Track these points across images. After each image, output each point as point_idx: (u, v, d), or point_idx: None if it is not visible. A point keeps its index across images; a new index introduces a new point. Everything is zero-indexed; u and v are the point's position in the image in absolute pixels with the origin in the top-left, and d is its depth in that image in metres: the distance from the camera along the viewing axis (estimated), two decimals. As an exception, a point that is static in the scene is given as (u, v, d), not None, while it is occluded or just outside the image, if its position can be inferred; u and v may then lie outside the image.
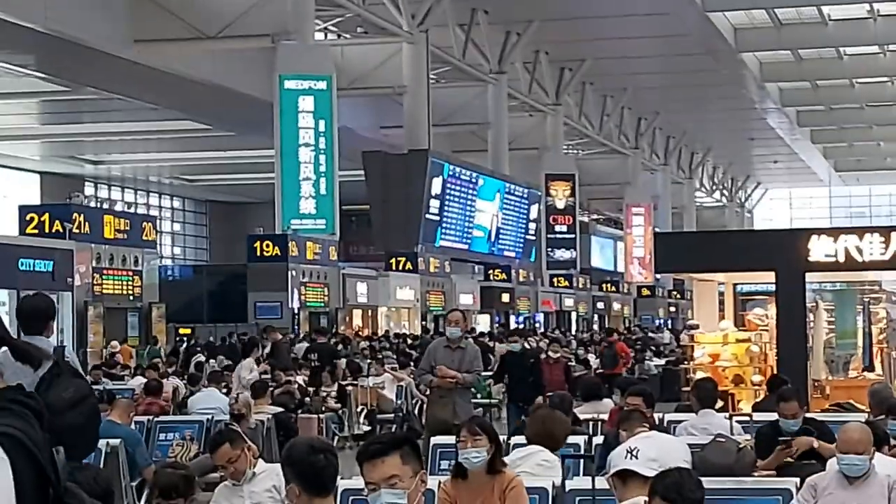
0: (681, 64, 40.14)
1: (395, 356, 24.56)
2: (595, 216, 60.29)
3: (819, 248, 17.37)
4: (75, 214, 26.64)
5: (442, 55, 35.49)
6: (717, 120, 50.26)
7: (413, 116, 33.63)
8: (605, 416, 11.66)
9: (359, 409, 19.03)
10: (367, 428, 18.54)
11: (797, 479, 7.69)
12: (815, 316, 20.16)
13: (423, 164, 33.14)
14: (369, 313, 36.00)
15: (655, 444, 5.89)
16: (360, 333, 32.48)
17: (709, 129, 52.96)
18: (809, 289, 18.55)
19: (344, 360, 22.54)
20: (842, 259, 17.27)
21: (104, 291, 27.14)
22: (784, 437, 9.31)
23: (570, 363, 21.46)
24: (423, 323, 36.70)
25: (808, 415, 11.93)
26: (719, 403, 13.07)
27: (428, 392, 13.86)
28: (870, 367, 20.06)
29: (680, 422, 11.23)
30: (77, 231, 26.18)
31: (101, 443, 9.54)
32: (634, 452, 5.55)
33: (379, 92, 35.31)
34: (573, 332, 44.55)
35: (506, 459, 8.37)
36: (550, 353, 19.43)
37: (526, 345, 22.82)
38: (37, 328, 7.87)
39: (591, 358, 28.27)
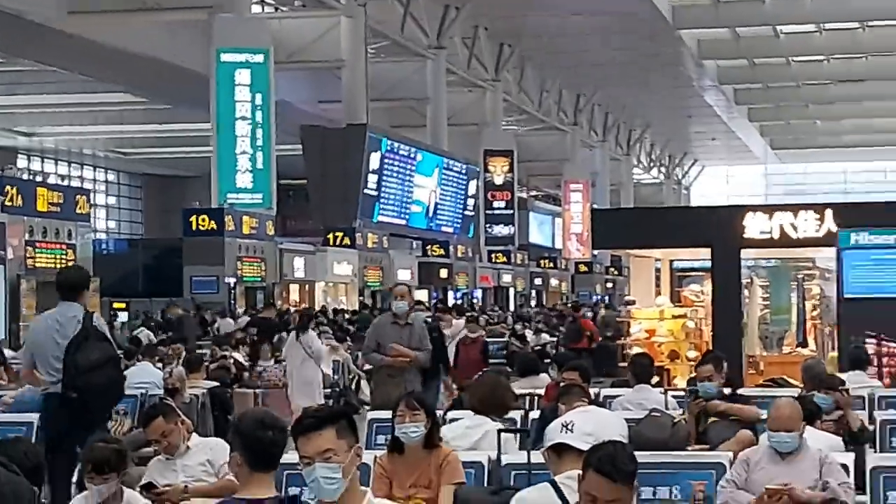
0: (619, 41, 40.23)
1: (332, 331, 24.49)
2: (533, 192, 60.41)
3: (754, 225, 17.53)
4: (8, 187, 26.30)
5: (380, 30, 35.36)
6: (655, 97, 50.43)
7: (351, 91, 33.50)
8: (542, 391, 11.67)
9: (295, 384, 18.95)
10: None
11: (730, 454, 7.76)
12: (751, 292, 20.33)
13: (361, 138, 33.04)
14: (306, 288, 35.91)
15: (591, 418, 5.90)
16: (297, 309, 32.37)
17: (647, 106, 53.14)
18: (745, 265, 18.71)
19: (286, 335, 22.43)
20: (777, 236, 17.44)
21: (37, 265, 26.80)
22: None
23: (486, 340, 21.13)
24: (361, 298, 36.64)
25: (742, 390, 12.05)
26: (655, 379, 13.14)
27: (370, 369, 13.49)
28: (803, 343, 20.27)
29: (616, 397, 11.29)
30: (9, 204, 25.85)
31: (33, 417, 9.50)
32: (570, 426, 5.56)
33: (317, 66, 35.13)
34: (512, 308, 44.69)
35: (447, 429, 8.40)
36: (468, 334, 19.15)
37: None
38: (72, 296, 9.23)
39: (528, 334, 28.36)
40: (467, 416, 8.73)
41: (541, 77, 47.93)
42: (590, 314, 31.55)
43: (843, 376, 11.22)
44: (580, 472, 4.82)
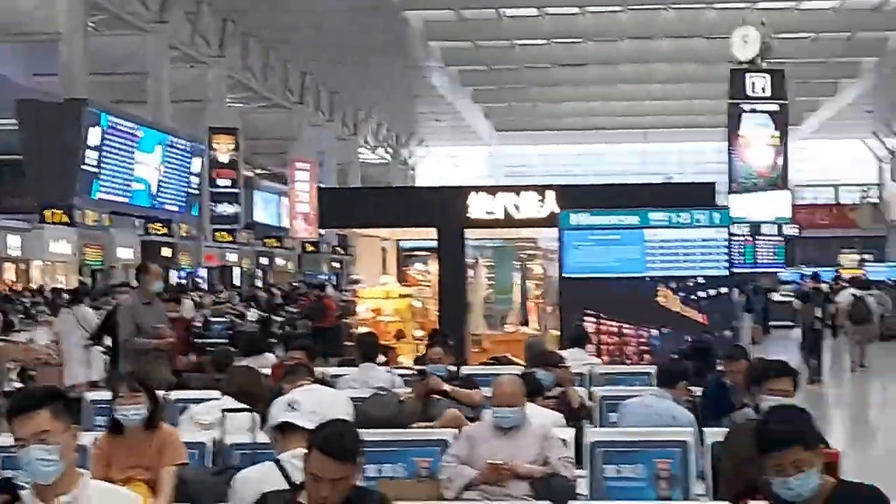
0: (345, 20, 40.18)
1: (49, 311, 23.83)
2: (259, 171, 59.96)
3: (478, 206, 17.78)
4: None
5: (99, 2, 34.46)
6: (381, 77, 50.58)
7: (69, 65, 32.56)
8: (267, 371, 11.58)
9: (10, 366, 18.40)
10: (18, 385, 17.96)
11: (455, 430, 7.84)
12: (475, 272, 20.65)
13: (79, 113, 32.13)
14: (22, 267, 34.84)
15: (316, 397, 5.88)
16: (13, 287, 31.43)
17: (373, 86, 53.25)
18: (470, 245, 18.97)
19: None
20: (500, 216, 17.73)
21: None
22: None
23: (193, 322, 20.83)
24: (80, 277, 35.75)
25: (466, 369, 12.22)
26: (381, 358, 13.19)
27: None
28: (526, 322, 20.73)
29: (342, 375, 11.31)
30: None
31: None
32: (294, 405, 5.52)
33: (33, 39, 34.01)
34: (238, 287, 44.34)
35: (198, 409, 8.29)
36: (171, 314, 18.91)
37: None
38: None
39: (252, 313, 28.22)
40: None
41: (265, 54, 47.58)
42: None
43: (563, 354, 11.49)
44: (305, 450, 4.78)
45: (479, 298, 20.54)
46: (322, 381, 9.33)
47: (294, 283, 43.50)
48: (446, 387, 9.78)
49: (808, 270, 41.45)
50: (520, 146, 72.64)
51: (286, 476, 5.26)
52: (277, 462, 5.40)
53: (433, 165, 75.69)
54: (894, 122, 61.82)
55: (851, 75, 49.48)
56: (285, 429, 5.47)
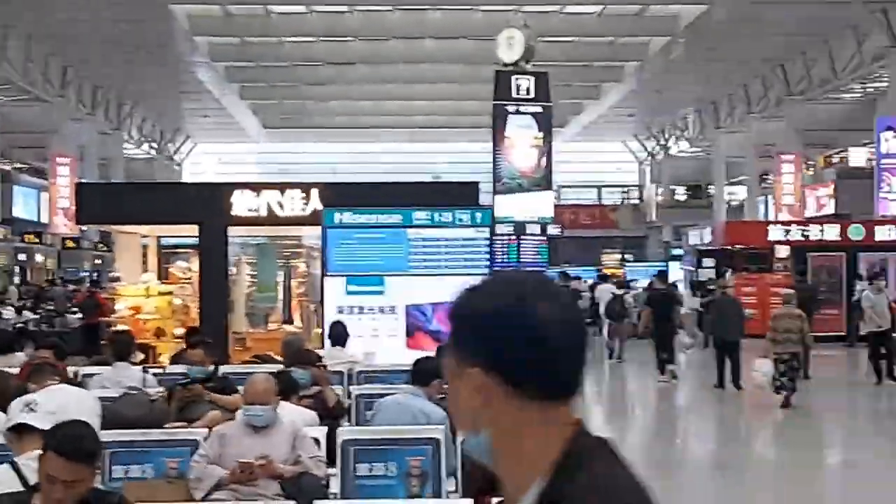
0: (109, 12, 39.36)
1: None
2: (18, 165, 58.33)
3: (241, 203, 17.64)
4: None
5: None
6: (146, 72, 49.66)
7: None
8: (16, 370, 11.25)
9: None
10: None
11: (206, 430, 7.74)
12: (238, 270, 20.47)
13: None
14: None
15: (59, 397, 5.71)
16: None
17: (137, 80, 52.22)
18: (232, 242, 18.80)
19: None
20: (264, 214, 17.63)
21: None
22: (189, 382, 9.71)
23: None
24: None
25: (226, 367, 12.11)
26: (141, 356, 12.98)
27: None
28: (289, 320, 20.62)
29: (94, 375, 11.07)
30: None
31: None
32: (32, 406, 5.37)
33: None
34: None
35: None
36: None
37: None
38: None
39: (9, 312, 27.56)
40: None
41: (26, 46, 46.28)
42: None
43: (322, 352, 11.47)
44: (41, 452, 4.65)
45: (242, 296, 20.37)
46: (72, 381, 9.10)
47: (51, 279, 42.50)
48: (206, 397, 9.64)
49: (573, 270, 42.42)
50: (289, 144, 72.40)
51: (22, 478, 5.11)
52: (13, 464, 5.24)
53: (201, 162, 74.86)
54: (654, 126, 63.63)
55: (614, 79, 50.68)
56: (22, 430, 5.30)
